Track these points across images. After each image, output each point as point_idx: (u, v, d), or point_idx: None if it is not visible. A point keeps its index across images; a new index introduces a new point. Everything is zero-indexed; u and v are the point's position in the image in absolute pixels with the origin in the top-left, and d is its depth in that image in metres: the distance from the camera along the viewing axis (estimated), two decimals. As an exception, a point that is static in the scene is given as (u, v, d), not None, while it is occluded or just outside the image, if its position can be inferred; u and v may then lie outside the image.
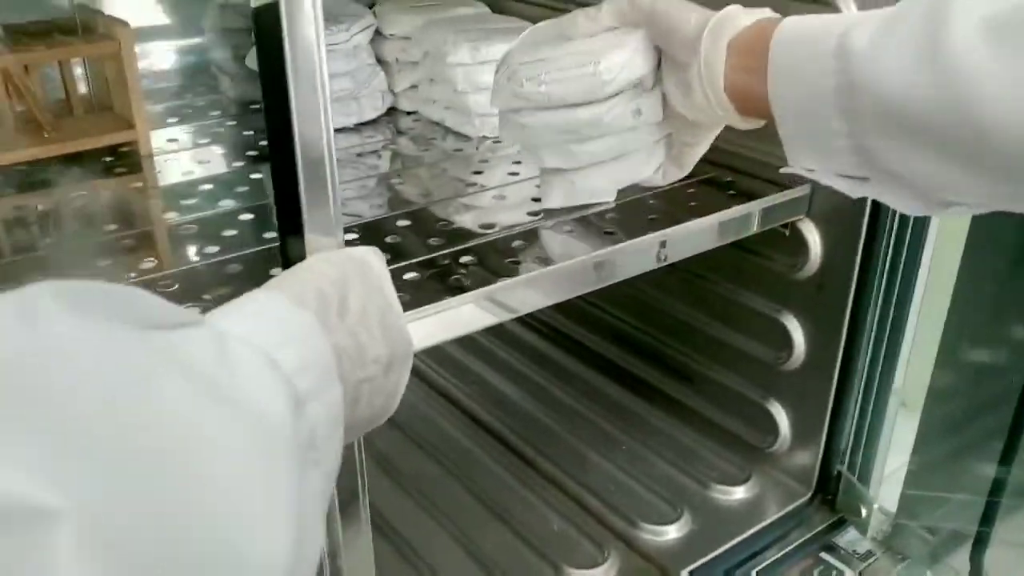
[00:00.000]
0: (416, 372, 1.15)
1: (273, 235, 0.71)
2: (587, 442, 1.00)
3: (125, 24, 0.87)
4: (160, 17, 1.04)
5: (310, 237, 0.51)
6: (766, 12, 0.60)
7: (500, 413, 1.06)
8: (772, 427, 0.92)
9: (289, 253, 0.52)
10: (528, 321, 1.19)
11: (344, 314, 0.47)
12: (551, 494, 0.93)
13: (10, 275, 0.66)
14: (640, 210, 0.75)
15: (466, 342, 1.17)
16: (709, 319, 0.96)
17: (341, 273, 0.49)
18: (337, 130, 0.93)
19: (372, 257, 0.52)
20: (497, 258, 0.67)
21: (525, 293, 0.65)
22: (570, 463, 0.96)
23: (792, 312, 0.87)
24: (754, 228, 0.78)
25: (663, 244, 0.72)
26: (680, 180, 0.73)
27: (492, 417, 1.05)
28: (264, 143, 0.93)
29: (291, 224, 0.52)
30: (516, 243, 0.70)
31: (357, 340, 0.47)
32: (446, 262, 0.66)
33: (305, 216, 0.51)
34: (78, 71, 0.92)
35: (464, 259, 0.67)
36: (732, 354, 0.94)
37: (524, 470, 0.97)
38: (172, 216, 0.76)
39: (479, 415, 1.06)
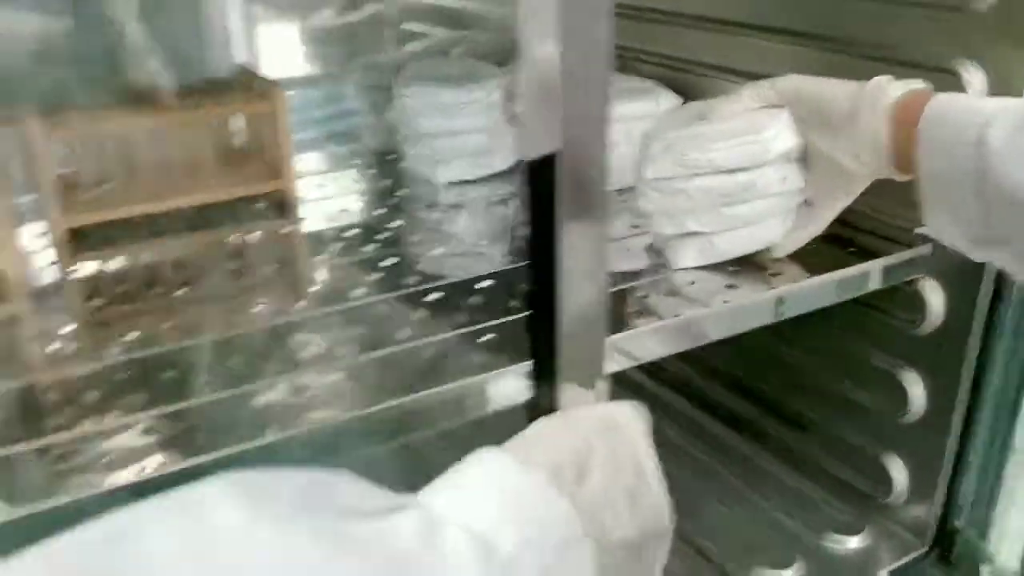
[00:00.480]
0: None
1: (413, 280, 0.77)
2: (701, 485, 1.02)
3: (278, 85, 0.95)
4: (311, 73, 1.13)
5: (565, 387, 0.47)
6: (913, 84, 0.68)
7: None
8: (888, 478, 0.92)
9: (539, 401, 0.48)
10: (642, 365, 1.22)
11: (581, 483, 0.43)
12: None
13: (175, 309, 0.73)
14: (761, 263, 0.78)
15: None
16: (825, 369, 0.97)
17: (583, 441, 0.45)
18: (469, 181, 1.01)
19: (626, 419, 0.48)
20: (620, 307, 0.71)
21: (647, 343, 0.69)
22: (683, 505, 0.98)
23: (911, 367, 0.87)
24: (873, 286, 0.80)
25: (780, 301, 0.75)
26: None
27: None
28: (402, 192, 1.00)
29: (543, 366, 0.46)
30: (639, 294, 0.74)
31: (597, 521, 0.43)
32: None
33: (561, 361, 0.46)
34: (237, 125, 1.00)
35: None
36: (848, 405, 0.95)
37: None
38: (318, 259, 0.83)
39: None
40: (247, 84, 1.00)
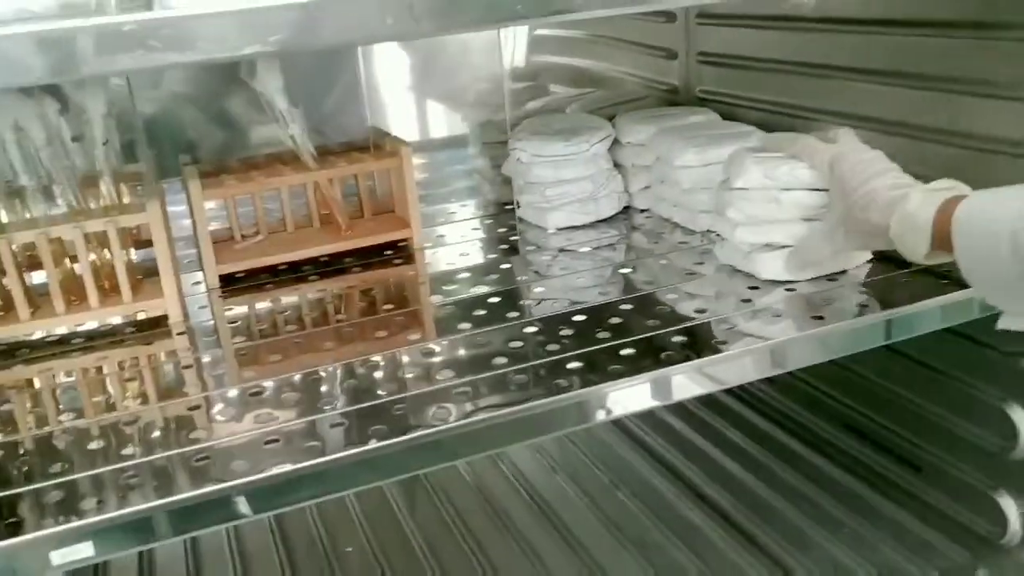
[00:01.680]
0: (641, 444, 1.23)
1: (513, 314, 0.83)
2: (810, 524, 1.02)
3: (405, 143, 1.05)
4: (436, 132, 1.23)
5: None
6: (936, 200, 0.70)
7: (720, 487, 1.13)
8: (1002, 518, 0.90)
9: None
10: (754, 404, 1.23)
11: None
12: (772, 571, 0.97)
13: (312, 344, 0.82)
14: (853, 295, 0.81)
15: (693, 421, 1.25)
16: (933, 405, 0.97)
17: None
18: (577, 227, 1.07)
19: None
20: (709, 337, 0.75)
21: (735, 365, 0.73)
22: (791, 541, 0.99)
23: (1016, 400, 0.86)
24: (975, 313, 0.81)
25: (889, 323, 0.78)
26: (899, 270, 0.84)
27: (713, 491, 1.12)
28: (515, 238, 1.07)
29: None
30: (731, 325, 0.77)
31: None
32: (661, 339, 0.75)
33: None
34: (368, 181, 1.11)
35: (677, 338, 0.75)
36: (958, 441, 0.94)
37: (744, 544, 1.02)
38: (436, 298, 0.91)
39: (701, 488, 1.14)
40: (378, 143, 1.10)
